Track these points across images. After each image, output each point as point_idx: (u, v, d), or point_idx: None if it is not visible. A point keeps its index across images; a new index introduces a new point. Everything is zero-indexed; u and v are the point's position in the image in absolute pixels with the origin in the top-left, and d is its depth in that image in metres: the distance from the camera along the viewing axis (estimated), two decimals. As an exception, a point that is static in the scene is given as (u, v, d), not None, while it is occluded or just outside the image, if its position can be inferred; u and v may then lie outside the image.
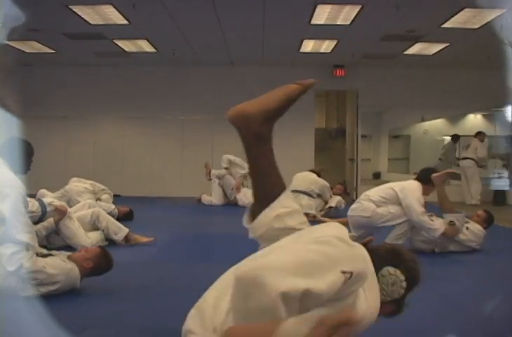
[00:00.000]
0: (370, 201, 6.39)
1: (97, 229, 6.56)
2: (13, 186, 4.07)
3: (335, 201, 9.53)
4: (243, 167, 11.51)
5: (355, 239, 5.45)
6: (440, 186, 6.21)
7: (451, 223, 6.05)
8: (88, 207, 7.00)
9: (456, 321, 3.68)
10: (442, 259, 6.05)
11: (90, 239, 6.17)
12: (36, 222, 5.89)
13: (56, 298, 3.95)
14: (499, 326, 3.49)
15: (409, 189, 6.24)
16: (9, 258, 3.89)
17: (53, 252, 4.46)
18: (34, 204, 5.98)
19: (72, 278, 4.22)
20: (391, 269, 2.34)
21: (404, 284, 2.34)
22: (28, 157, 4.78)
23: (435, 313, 3.84)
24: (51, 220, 5.98)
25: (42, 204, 6.08)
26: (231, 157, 11.89)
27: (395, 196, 6.27)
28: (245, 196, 11.29)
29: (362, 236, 6.10)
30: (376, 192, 6.47)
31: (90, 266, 4.33)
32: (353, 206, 6.61)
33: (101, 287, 4.46)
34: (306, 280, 1.74)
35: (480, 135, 13.08)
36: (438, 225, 6.02)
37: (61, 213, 5.96)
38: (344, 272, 1.81)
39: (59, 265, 4.15)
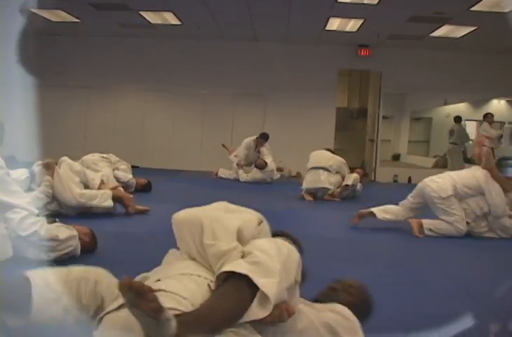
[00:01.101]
0: (452, 187, 6.34)
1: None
2: None
3: (352, 178, 9.34)
4: None
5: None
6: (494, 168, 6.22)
7: None
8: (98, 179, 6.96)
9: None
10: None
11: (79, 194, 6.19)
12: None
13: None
14: None
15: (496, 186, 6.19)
16: (19, 222, 3.96)
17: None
18: (21, 171, 6.02)
19: (77, 245, 4.31)
20: None
21: None
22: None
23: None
24: (48, 177, 5.96)
25: (30, 169, 6.11)
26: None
27: (477, 187, 6.20)
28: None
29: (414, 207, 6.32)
30: (461, 180, 6.30)
31: (84, 240, 4.41)
32: (433, 177, 6.51)
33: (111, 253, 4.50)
34: None
35: (488, 117, 12.81)
36: None
37: (49, 166, 5.95)
38: None
39: (67, 232, 4.23)
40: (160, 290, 1.86)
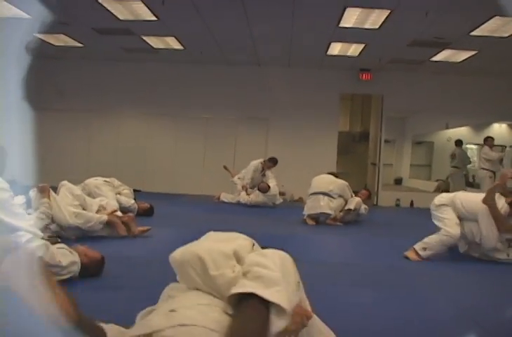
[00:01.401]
0: (450, 199, 6.32)
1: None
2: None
3: (354, 202, 9.33)
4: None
5: None
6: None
7: None
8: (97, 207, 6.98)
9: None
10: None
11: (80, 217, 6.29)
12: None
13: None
14: None
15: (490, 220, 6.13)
16: (25, 245, 3.98)
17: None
18: (19, 197, 6.02)
19: (77, 269, 4.36)
20: None
21: None
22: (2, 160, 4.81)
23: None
24: (45, 199, 5.99)
25: (25, 194, 6.12)
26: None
27: (473, 213, 6.19)
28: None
29: None
30: (465, 199, 6.29)
31: (83, 262, 4.44)
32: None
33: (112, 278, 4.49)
34: None
35: (488, 140, 12.75)
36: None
37: (43, 190, 5.99)
38: None
39: (68, 257, 4.28)
40: (188, 325, 1.92)
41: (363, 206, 9.57)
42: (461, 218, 6.19)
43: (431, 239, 6.17)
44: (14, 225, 4.07)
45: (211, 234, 2.47)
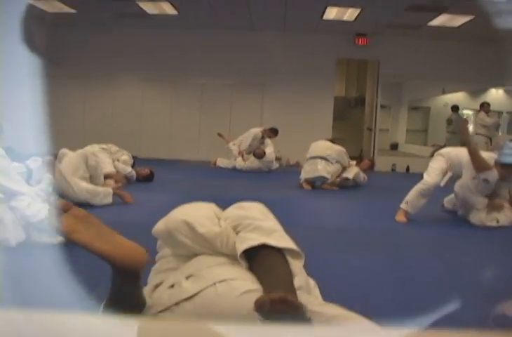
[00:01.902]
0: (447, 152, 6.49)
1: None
2: None
3: (353, 172, 9.40)
4: None
5: None
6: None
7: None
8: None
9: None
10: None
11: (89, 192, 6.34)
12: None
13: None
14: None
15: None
16: (26, 209, 4.07)
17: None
18: (16, 165, 6.04)
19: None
20: None
21: None
22: None
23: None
24: (48, 175, 6.02)
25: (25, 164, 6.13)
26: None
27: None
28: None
29: None
30: (458, 151, 6.40)
31: None
32: None
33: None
34: None
35: (484, 106, 12.75)
36: None
37: (49, 164, 6.01)
38: None
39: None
40: (227, 279, 1.98)
41: (362, 175, 9.63)
42: (453, 172, 6.26)
43: (411, 191, 6.31)
44: (14, 189, 4.13)
45: (182, 206, 2.47)
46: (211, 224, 2.20)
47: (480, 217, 6.15)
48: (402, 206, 6.35)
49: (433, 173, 6.29)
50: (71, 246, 1.81)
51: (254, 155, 11.71)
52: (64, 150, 6.82)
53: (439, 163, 6.34)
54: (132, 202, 6.72)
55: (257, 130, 12.07)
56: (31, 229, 4.16)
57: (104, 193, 6.57)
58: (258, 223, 2.15)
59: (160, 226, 2.28)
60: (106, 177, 7.49)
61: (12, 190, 4.15)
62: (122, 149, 9.09)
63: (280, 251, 2.08)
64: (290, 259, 2.08)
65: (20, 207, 4.11)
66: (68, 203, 6.07)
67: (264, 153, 11.65)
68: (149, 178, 8.99)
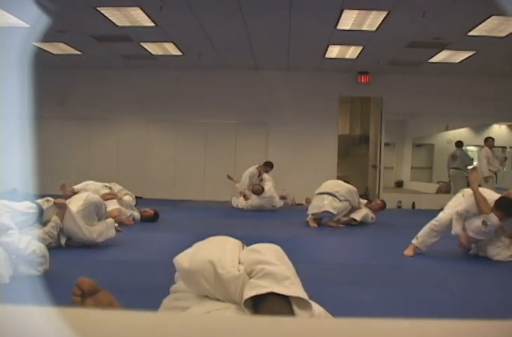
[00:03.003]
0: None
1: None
2: None
3: (361, 215, 9.36)
4: None
5: None
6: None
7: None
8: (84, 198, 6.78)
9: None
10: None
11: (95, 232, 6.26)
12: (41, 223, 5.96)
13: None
14: None
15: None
16: (18, 244, 4.20)
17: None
18: (27, 204, 6.02)
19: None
20: None
21: None
22: None
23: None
24: (55, 218, 6.01)
25: (37, 204, 6.09)
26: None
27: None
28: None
29: None
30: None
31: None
32: None
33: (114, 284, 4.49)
34: None
35: (488, 141, 12.54)
36: None
37: (61, 205, 6.01)
38: None
39: (44, 247, 4.54)
40: None
41: (371, 216, 9.58)
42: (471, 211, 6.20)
43: (424, 228, 6.28)
44: (5, 224, 4.23)
45: (207, 240, 2.42)
46: (231, 266, 2.16)
47: (499, 251, 6.12)
48: (414, 241, 6.31)
49: (447, 210, 6.26)
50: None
51: (253, 192, 11.65)
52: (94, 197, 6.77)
53: (456, 201, 6.31)
54: (132, 224, 6.71)
55: (252, 169, 12.01)
56: (19, 263, 4.28)
57: (108, 224, 6.52)
58: (270, 269, 2.10)
59: (184, 263, 2.24)
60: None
61: (4, 225, 4.25)
62: (125, 189, 9.07)
63: (287, 300, 2.01)
64: (296, 309, 2.01)
65: (12, 241, 4.21)
66: (63, 201, 6.03)
67: (263, 189, 11.60)
68: (153, 219, 8.93)
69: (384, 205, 10.35)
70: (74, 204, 6.38)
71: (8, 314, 0.87)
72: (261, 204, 11.57)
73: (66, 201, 6.28)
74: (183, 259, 2.24)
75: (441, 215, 6.32)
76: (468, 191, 6.41)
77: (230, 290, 2.12)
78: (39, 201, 6.21)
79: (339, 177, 10.28)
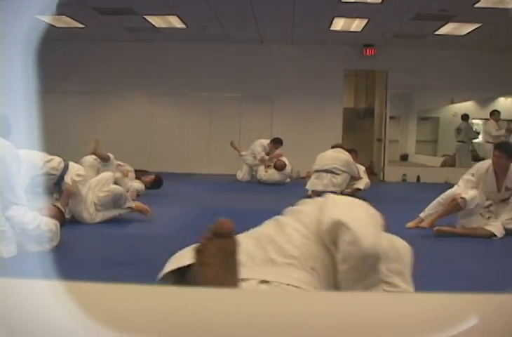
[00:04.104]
0: None
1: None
2: (5, 151, 4.33)
3: (363, 183, 9.37)
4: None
5: None
6: None
7: None
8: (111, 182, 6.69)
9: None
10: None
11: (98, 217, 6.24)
12: (54, 183, 6.01)
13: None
14: None
15: None
16: (22, 218, 4.21)
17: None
18: (58, 162, 6.05)
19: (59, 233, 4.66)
20: None
21: None
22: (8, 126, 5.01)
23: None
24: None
25: (65, 168, 6.09)
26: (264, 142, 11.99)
27: None
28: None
29: None
30: None
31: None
32: None
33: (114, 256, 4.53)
34: None
35: (494, 114, 12.66)
36: None
37: (67, 193, 6.01)
38: None
39: (51, 221, 4.53)
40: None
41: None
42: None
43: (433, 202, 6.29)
44: (11, 201, 4.24)
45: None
46: None
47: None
48: (421, 214, 6.31)
49: (462, 184, 6.24)
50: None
51: (275, 167, 11.67)
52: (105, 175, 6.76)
53: (469, 175, 6.29)
54: (151, 215, 6.45)
55: (265, 142, 12.03)
56: (24, 238, 4.31)
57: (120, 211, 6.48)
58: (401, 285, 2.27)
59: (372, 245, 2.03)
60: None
61: (11, 201, 4.26)
62: (127, 164, 9.00)
63: None
64: None
65: (17, 215, 4.23)
66: (71, 187, 6.01)
67: (285, 164, 11.65)
68: (157, 184, 8.88)
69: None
70: (96, 188, 6.35)
71: (11, 287, 0.88)
72: (279, 179, 11.64)
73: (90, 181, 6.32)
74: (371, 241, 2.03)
75: (453, 188, 6.29)
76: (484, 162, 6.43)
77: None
78: (70, 169, 6.16)
79: (342, 145, 10.10)
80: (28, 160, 5.38)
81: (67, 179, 6.00)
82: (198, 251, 1.73)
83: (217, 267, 1.69)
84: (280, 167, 11.63)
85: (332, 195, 2.30)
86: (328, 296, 1.03)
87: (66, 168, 6.08)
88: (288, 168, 11.79)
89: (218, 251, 1.71)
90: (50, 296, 0.88)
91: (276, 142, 11.98)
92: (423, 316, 0.86)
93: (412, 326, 0.85)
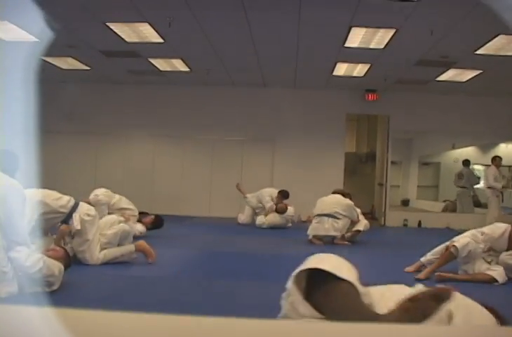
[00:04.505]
0: None
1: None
2: (11, 190, 4.32)
3: (363, 224, 9.38)
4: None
5: None
6: None
7: None
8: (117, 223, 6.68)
9: None
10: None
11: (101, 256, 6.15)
12: (62, 222, 6.01)
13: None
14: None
15: None
16: (25, 260, 4.16)
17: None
18: (67, 200, 6.04)
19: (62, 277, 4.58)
20: None
21: None
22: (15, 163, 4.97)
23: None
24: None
25: (75, 206, 6.07)
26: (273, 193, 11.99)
27: None
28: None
29: None
30: None
31: (63, 264, 4.67)
32: None
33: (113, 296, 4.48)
34: None
35: (496, 160, 12.48)
36: None
37: (61, 233, 5.98)
38: None
39: (55, 265, 4.47)
40: None
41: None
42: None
43: (437, 248, 6.27)
44: (16, 241, 4.20)
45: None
46: None
47: None
48: (422, 258, 6.29)
49: (465, 235, 6.18)
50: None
51: (276, 210, 11.65)
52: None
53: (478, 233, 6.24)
54: (154, 260, 6.33)
55: (272, 191, 12.01)
56: (24, 280, 4.24)
57: (124, 251, 6.34)
58: None
59: None
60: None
61: (15, 242, 4.21)
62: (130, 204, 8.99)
63: None
64: None
65: (19, 257, 4.17)
66: (64, 227, 5.95)
67: (286, 208, 11.63)
68: (157, 224, 8.84)
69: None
70: (104, 228, 6.34)
71: (4, 313, 0.86)
72: (280, 222, 11.61)
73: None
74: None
75: (457, 237, 6.24)
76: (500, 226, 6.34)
77: None
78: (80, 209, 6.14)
79: (343, 191, 10.12)
80: (36, 198, 5.40)
81: (75, 217, 5.97)
82: (413, 297, 1.98)
83: (406, 315, 1.93)
84: (281, 210, 11.62)
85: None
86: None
87: (76, 206, 6.07)
88: (291, 211, 11.76)
89: (421, 306, 1.94)
90: (41, 322, 0.86)
91: (283, 195, 11.95)
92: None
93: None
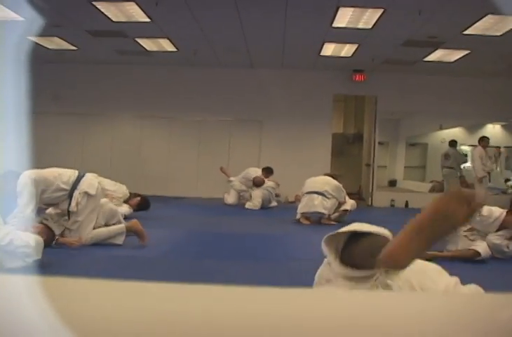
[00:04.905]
0: None
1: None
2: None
3: (349, 204, 9.45)
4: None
5: None
6: None
7: None
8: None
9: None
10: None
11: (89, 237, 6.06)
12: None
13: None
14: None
15: None
16: None
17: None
18: (69, 175, 6.01)
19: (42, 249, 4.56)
20: None
21: None
22: None
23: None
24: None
25: (76, 182, 6.05)
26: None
27: None
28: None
29: None
30: None
31: (44, 239, 4.72)
32: None
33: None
34: None
35: (483, 140, 12.48)
36: None
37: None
38: None
39: (30, 237, 4.50)
40: None
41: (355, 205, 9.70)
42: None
43: None
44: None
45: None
46: None
47: None
48: None
49: None
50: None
51: (253, 183, 11.64)
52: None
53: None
54: (145, 244, 6.15)
55: (258, 170, 12.02)
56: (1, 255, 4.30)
57: (114, 231, 6.21)
58: None
59: None
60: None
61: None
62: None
63: None
64: None
65: None
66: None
67: (263, 180, 11.63)
68: (143, 206, 8.70)
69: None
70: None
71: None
72: (264, 197, 11.58)
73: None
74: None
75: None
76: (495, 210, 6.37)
77: None
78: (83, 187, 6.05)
79: (334, 175, 10.18)
80: (36, 176, 5.44)
81: (75, 196, 5.93)
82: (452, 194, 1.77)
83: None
84: (258, 183, 11.59)
85: None
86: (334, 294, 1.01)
87: (78, 181, 6.02)
88: (270, 184, 11.75)
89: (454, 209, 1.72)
90: (26, 291, 0.86)
91: (268, 172, 11.98)
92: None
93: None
